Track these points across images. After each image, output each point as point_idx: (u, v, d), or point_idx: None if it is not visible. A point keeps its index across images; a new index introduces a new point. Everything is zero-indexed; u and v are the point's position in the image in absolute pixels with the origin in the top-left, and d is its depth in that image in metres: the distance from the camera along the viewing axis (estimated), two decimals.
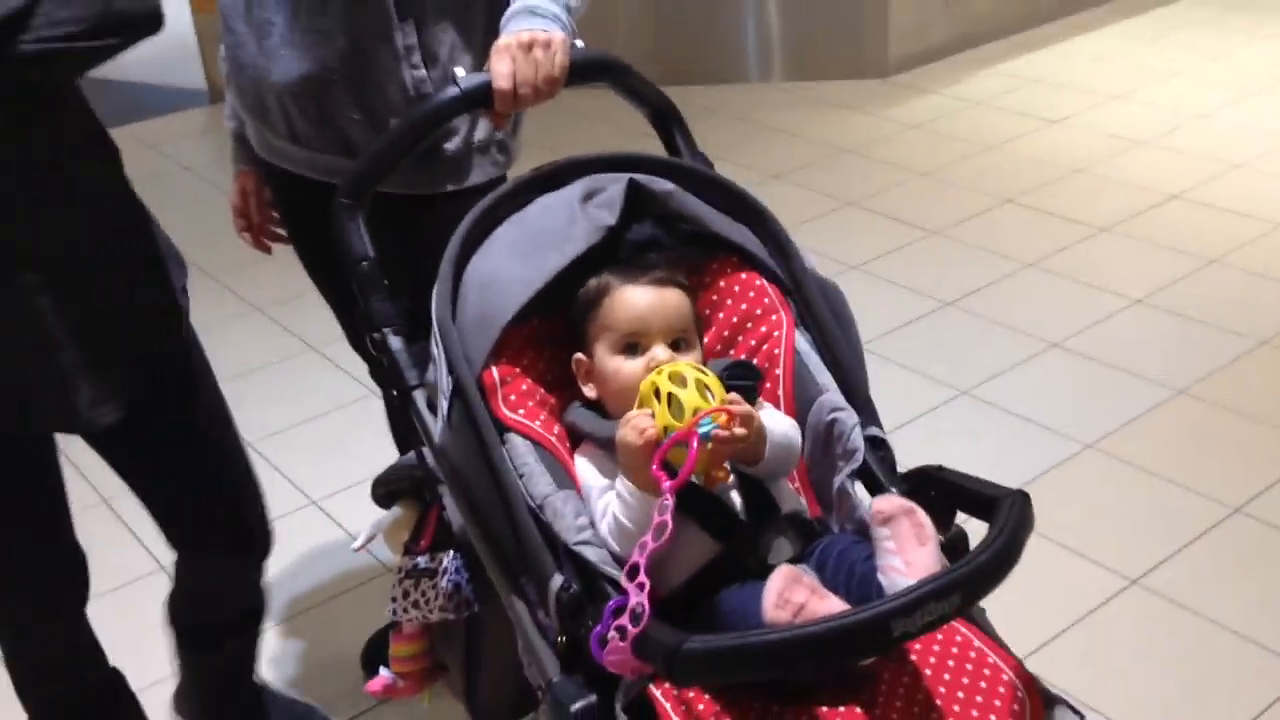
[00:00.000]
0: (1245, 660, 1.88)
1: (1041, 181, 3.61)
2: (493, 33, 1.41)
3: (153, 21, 1.20)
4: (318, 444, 2.60)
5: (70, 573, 1.51)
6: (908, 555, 1.01)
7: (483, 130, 1.57)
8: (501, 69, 1.31)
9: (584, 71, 1.37)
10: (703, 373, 1.07)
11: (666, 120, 1.47)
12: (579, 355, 1.22)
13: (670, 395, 1.04)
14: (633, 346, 1.17)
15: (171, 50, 4.46)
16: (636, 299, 1.18)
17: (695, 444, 1.00)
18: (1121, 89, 4.29)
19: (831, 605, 0.96)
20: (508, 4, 1.42)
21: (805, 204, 3.57)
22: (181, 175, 4.14)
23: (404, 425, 1.76)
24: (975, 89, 4.38)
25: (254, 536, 1.59)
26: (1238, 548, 2.12)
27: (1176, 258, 3.12)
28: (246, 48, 1.52)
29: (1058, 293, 3.00)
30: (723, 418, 1.02)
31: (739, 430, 1.04)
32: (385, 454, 1.91)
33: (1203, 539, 2.14)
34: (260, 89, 1.53)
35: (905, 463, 1.22)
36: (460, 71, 1.34)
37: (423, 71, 1.49)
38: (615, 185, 1.30)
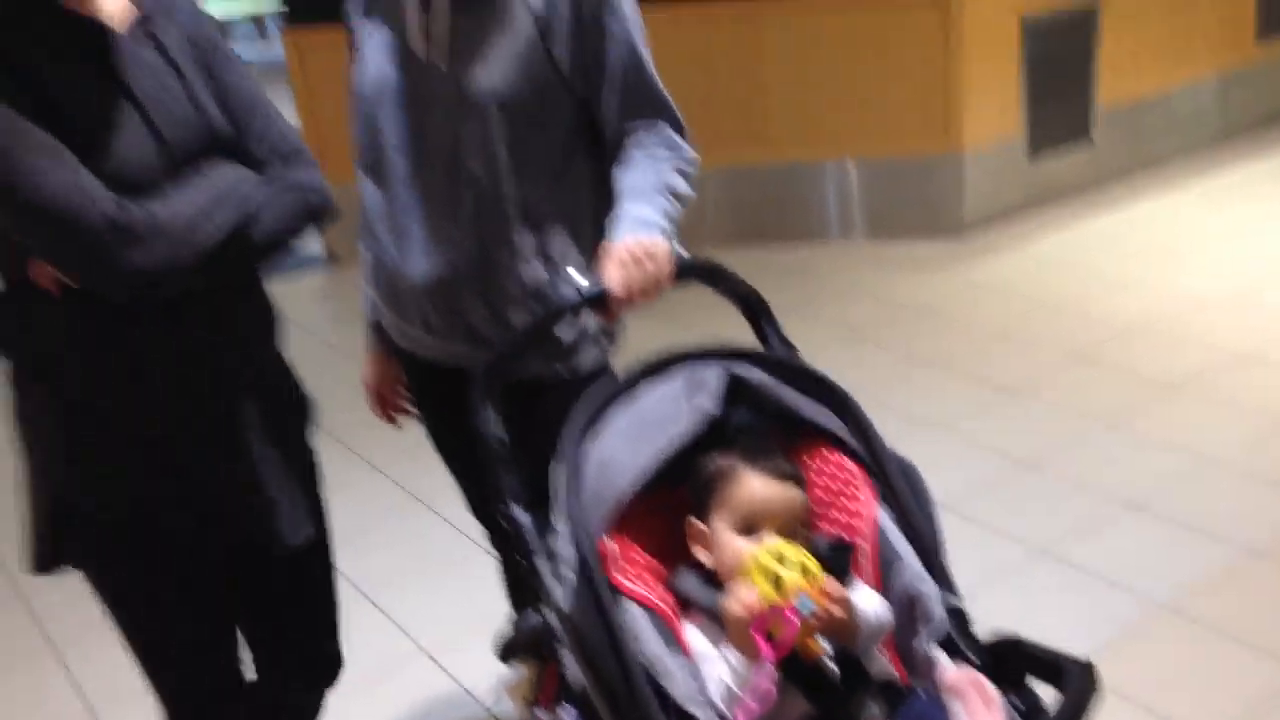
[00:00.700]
0: None
1: (1116, 341, 3.72)
2: (599, 235, 1.62)
3: (331, 211, 1.58)
4: (428, 595, 2.75)
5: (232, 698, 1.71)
6: None
7: (592, 321, 1.76)
8: (615, 275, 1.50)
9: (686, 274, 1.57)
10: (805, 555, 1.22)
11: (756, 312, 1.64)
12: (695, 521, 1.37)
13: (776, 574, 1.19)
14: (749, 528, 1.33)
15: None
16: (759, 488, 1.33)
17: (795, 620, 1.15)
18: (1193, 248, 4.42)
19: None
20: (610, 208, 1.64)
21: (885, 363, 3.72)
22: (301, 335, 4.42)
23: (520, 586, 1.93)
24: (1049, 248, 4.54)
25: (335, 671, 1.82)
26: None
27: (1253, 417, 3.20)
28: (388, 252, 1.75)
29: (1135, 452, 3.09)
30: (821, 599, 1.17)
31: (835, 610, 1.19)
32: (496, 609, 2.07)
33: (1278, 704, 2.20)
34: (398, 287, 1.75)
35: (986, 621, 1.34)
36: (578, 277, 1.54)
37: (540, 270, 1.70)
38: (715, 375, 1.47)
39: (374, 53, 1.72)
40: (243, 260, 1.50)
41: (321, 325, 4.52)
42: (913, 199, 4.72)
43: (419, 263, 1.71)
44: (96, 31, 1.44)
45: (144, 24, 1.48)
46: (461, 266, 1.69)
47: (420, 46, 1.66)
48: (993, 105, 4.61)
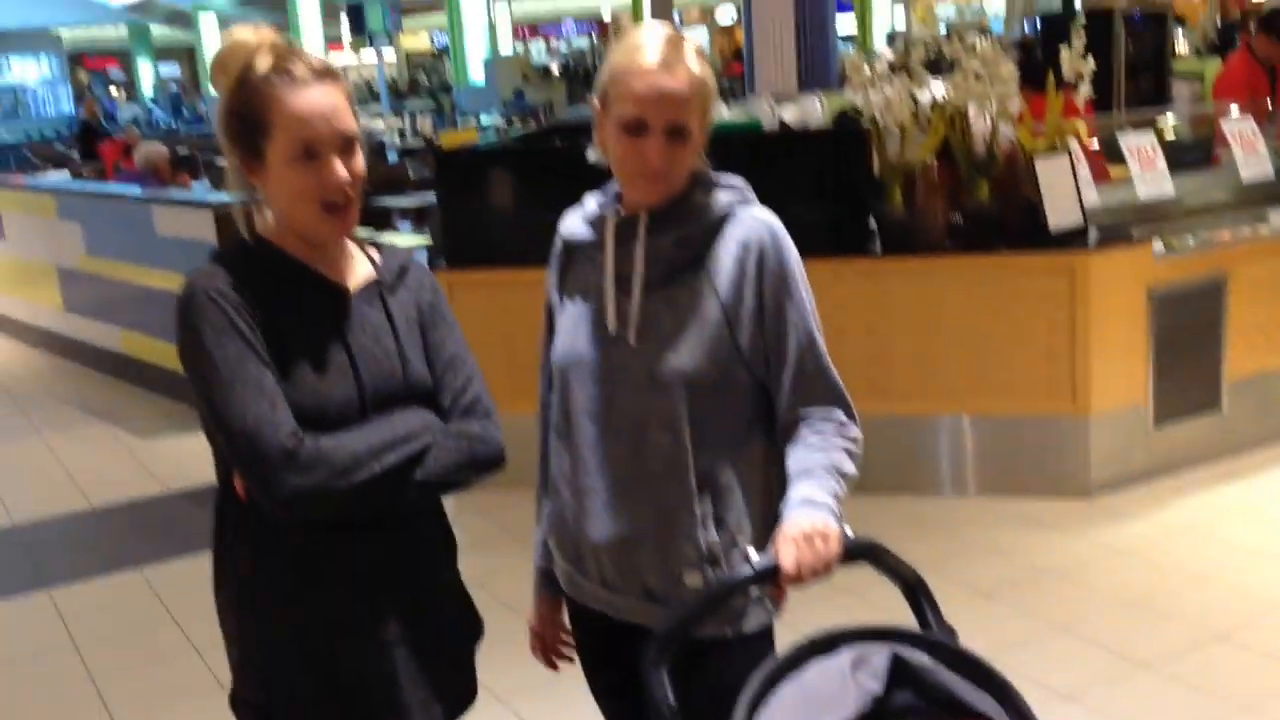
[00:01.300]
0: None
1: (1254, 618, 3.65)
2: (772, 506, 1.74)
3: (499, 463, 1.78)
4: None
5: None
6: None
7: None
8: (787, 554, 1.61)
9: (853, 555, 1.67)
10: None
11: (916, 594, 1.71)
12: None
13: None
14: None
15: None
16: None
17: None
18: None
19: None
20: (783, 484, 1.76)
21: (1012, 626, 3.70)
22: None
23: None
24: (1180, 515, 4.50)
25: None
26: None
27: None
28: (570, 509, 1.89)
29: None
30: None
31: None
32: None
33: None
34: (579, 543, 1.88)
35: None
36: (752, 552, 1.65)
37: (715, 535, 1.81)
38: (880, 656, 1.54)
39: (569, 326, 1.90)
40: (401, 497, 1.70)
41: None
42: (1033, 458, 4.75)
43: (601, 522, 1.84)
44: (336, 294, 1.75)
45: (377, 287, 1.78)
46: (642, 529, 1.82)
47: (613, 324, 1.83)
48: (1119, 371, 4.68)
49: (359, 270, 1.79)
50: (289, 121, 1.63)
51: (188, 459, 5.91)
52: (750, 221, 1.84)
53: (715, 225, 1.83)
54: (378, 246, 1.83)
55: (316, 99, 1.64)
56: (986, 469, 4.80)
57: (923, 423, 4.81)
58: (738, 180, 1.90)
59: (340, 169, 1.66)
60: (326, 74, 1.67)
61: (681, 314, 1.81)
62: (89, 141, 15.33)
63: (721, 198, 1.85)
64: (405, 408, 1.73)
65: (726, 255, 1.82)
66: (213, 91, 1.73)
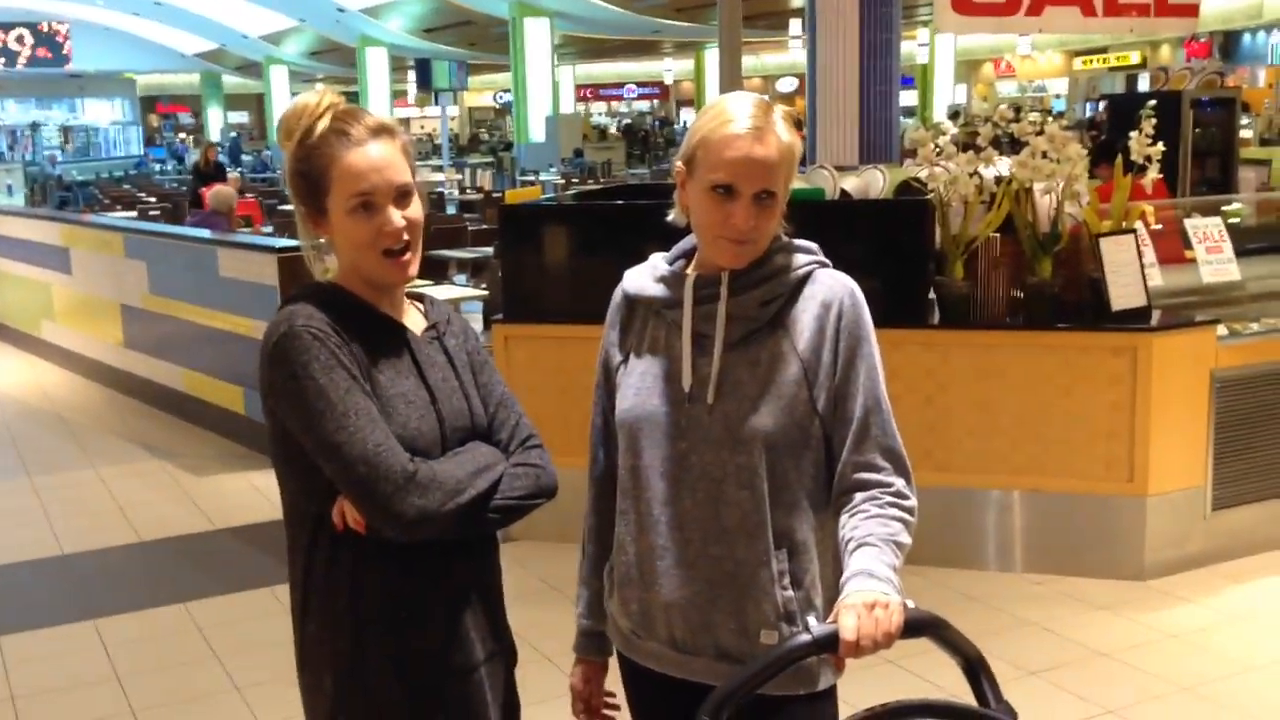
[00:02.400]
0: None
1: None
2: (840, 566, 1.73)
3: (555, 492, 1.89)
4: None
5: None
6: None
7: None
8: (849, 623, 1.59)
9: (914, 628, 1.64)
10: None
11: (977, 671, 1.69)
12: None
13: None
14: None
15: None
16: None
17: None
18: None
19: None
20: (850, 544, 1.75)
21: (1063, 708, 3.62)
22: None
23: None
24: (1237, 602, 4.40)
25: None
26: None
27: None
28: (636, 567, 1.88)
29: None
30: None
31: None
32: None
33: None
34: (648, 601, 1.87)
35: None
36: (812, 620, 1.63)
37: (791, 593, 1.81)
38: None
39: (638, 383, 1.90)
40: (491, 521, 1.82)
41: None
42: (1086, 537, 4.67)
43: (673, 580, 1.83)
44: (405, 335, 1.86)
45: (432, 330, 1.91)
46: (717, 586, 1.81)
47: (689, 381, 1.84)
48: (1178, 453, 4.61)
49: (412, 316, 1.91)
50: (346, 177, 1.76)
51: (237, 497, 5.98)
52: (830, 282, 1.86)
53: (796, 286, 1.85)
54: (420, 298, 1.96)
55: (371, 156, 1.77)
56: (1034, 546, 4.73)
57: (972, 496, 4.76)
58: (812, 244, 1.91)
59: (396, 217, 1.78)
60: (382, 131, 1.80)
61: (761, 372, 1.82)
62: (200, 187, 15.51)
63: (800, 259, 1.87)
64: (470, 441, 1.85)
65: (807, 315, 1.83)
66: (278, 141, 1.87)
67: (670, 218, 1.91)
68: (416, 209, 1.81)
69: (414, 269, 1.83)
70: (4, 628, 4.47)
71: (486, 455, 1.84)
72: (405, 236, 1.79)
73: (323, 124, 1.78)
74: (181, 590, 4.77)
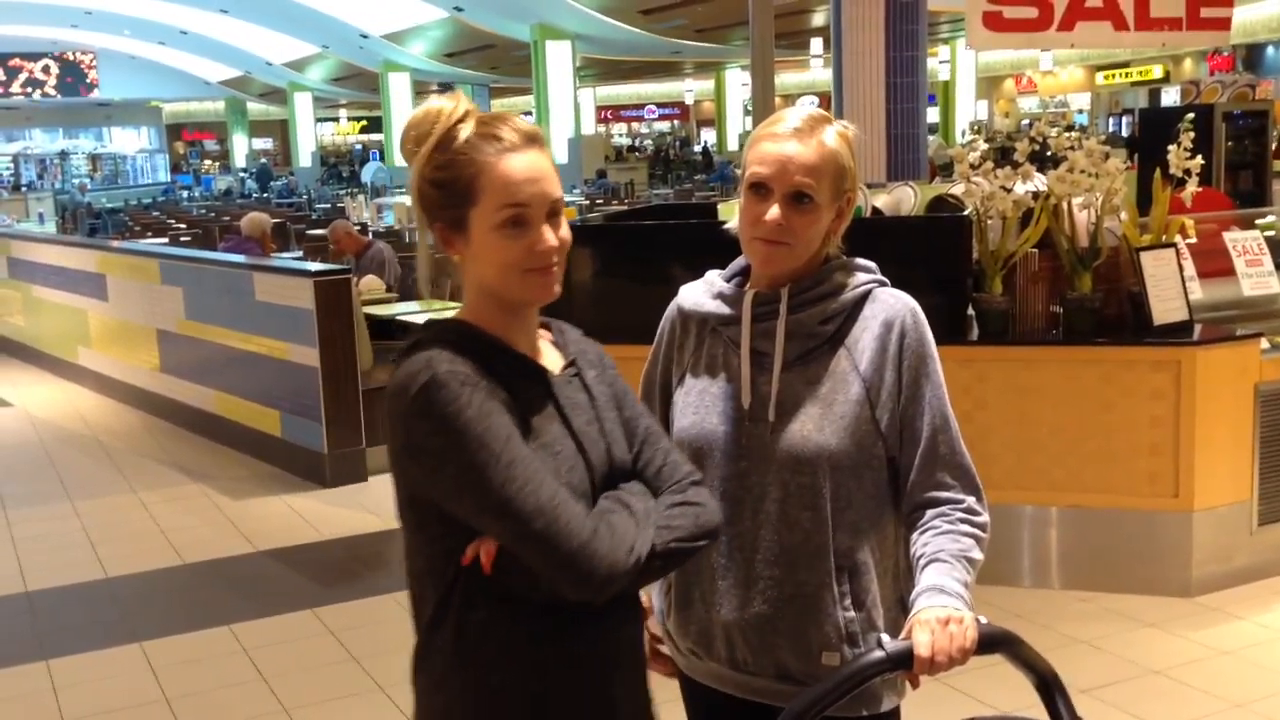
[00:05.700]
0: None
1: None
2: (907, 585, 1.73)
3: (718, 532, 1.68)
4: None
5: None
6: None
7: None
8: (923, 639, 1.59)
9: (988, 644, 1.64)
10: None
11: (1051, 689, 1.69)
12: None
13: None
14: None
15: None
16: None
17: None
18: None
19: None
20: (910, 566, 1.75)
21: None
22: None
23: None
24: None
25: None
26: None
27: None
28: (696, 588, 1.87)
29: None
30: None
31: None
32: None
33: None
34: (708, 623, 1.86)
35: None
36: (885, 638, 1.63)
37: (853, 614, 1.80)
38: None
39: (696, 403, 1.90)
40: (655, 571, 1.62)
41: None
42: (1129, 553, 4.63)
43: (734, 601, 1.83)
44: (544, 377, 1.65)
45: (571, 368, 1.69)
46: (780, 607, 1.81)
47: (748, 401, 1.84)
48: (1223, 468, 4.57)
49: (544, 348, 1.70)
50: (497, 188, 1.56)
51: (275, 519, 6.01)
52: (891, 301, 1.86)
53: (855, 304, 1.86)
54: (546, 325, 1.74)
55: (527, 165, 1.57)
56: (1074, 562, 4.70)
57: (1010, 512, 4.73)
58: (870, 263, 1.92)
59: (550, 236, 1.59)
60: (533, 140, 1.60)
61: (822, 392, 1.82)
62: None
63: (860, 277, 1.87)
64: (614, 484, 1.66)
65: (868, 334, 1.83)
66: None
67: (727, 225, 1.90)
68: (566, 229, 1.61)
69: (559, 287, 1.63)
70: (52, 651, 4.50)
71: (644, 501, 1.63)
72: (555, 259, 1.60)
73: (467, 128, 1.57)
74: (226, 613, 4.79)
